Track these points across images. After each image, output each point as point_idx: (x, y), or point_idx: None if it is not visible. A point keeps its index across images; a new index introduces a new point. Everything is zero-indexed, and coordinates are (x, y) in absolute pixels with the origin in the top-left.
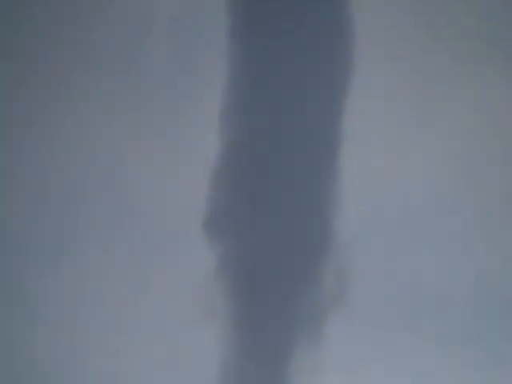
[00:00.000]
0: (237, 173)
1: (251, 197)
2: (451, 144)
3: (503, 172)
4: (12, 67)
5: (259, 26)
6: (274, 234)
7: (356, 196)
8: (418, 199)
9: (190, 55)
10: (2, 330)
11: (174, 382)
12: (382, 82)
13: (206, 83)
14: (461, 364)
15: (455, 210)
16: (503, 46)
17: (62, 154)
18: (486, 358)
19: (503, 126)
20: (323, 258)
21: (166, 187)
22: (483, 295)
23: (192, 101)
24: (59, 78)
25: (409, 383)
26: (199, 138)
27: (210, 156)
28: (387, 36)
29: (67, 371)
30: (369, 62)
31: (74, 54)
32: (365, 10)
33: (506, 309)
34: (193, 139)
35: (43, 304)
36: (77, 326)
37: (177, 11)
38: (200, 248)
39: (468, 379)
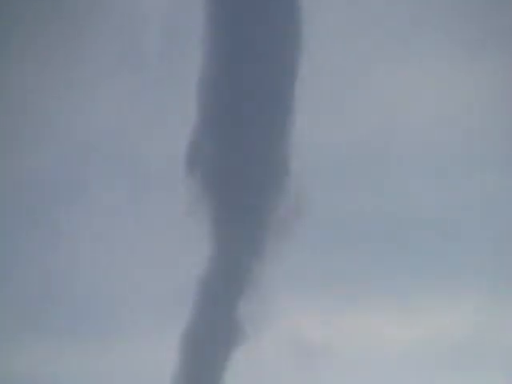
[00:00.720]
0: (212, 122)
1: (224, 140)
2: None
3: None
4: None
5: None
6: (244, 162)
7: (310, 132)
8: (368, 137)
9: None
10: None
11: (163, 272)
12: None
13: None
14: None
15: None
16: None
17: (76, 111)
18: None
19: None
20: (284, 182)
21: (157, 136)
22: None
23: (177, 75)
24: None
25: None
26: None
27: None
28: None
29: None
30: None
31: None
32: None
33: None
34: (177, 102)
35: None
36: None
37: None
38: (183, 180)
39: None
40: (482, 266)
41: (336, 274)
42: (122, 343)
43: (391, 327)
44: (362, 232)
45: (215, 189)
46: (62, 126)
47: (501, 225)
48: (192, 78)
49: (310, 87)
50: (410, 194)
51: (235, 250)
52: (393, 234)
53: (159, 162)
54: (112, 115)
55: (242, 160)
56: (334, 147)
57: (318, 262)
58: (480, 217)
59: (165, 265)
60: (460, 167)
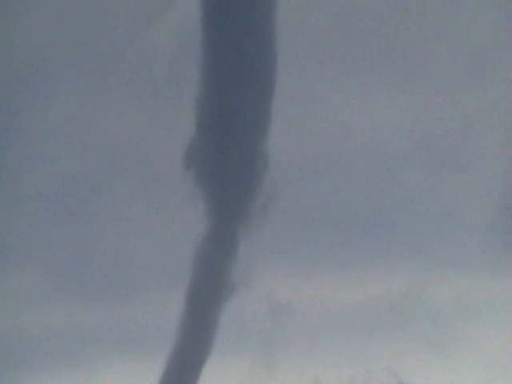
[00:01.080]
0: (205, 130)
1: (215, 143)
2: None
3: None
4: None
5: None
6: (232, 159)
7: (285, 136)
8: (332, 142)
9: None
10: None
11: (170, 243)
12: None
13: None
14: None
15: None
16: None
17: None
18: None
19: None
20: (263, 176)
21: (163, 140)
22: None
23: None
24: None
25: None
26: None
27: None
28: None
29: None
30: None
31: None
32: None
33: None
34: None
35: None
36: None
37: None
38: (183, 174)
39: None
40: (412, 242)
41: (303, 248)
42: (137, 299)
43: (344, 290)
44: (324, 216)
45: (209, 180)
46: (95, 134)
47: (426, 212)
48: (191, 95)
49: (286, 100)
50: (362, 186)
51: (226, 224)
52: (348, 219)
53: (165, 160)
54: (127, 125)
55: (230, 158)
56: (305, 149)
57: (289, 238)
58: (411, 205)
59: (171, 237)
60: (396, 168)
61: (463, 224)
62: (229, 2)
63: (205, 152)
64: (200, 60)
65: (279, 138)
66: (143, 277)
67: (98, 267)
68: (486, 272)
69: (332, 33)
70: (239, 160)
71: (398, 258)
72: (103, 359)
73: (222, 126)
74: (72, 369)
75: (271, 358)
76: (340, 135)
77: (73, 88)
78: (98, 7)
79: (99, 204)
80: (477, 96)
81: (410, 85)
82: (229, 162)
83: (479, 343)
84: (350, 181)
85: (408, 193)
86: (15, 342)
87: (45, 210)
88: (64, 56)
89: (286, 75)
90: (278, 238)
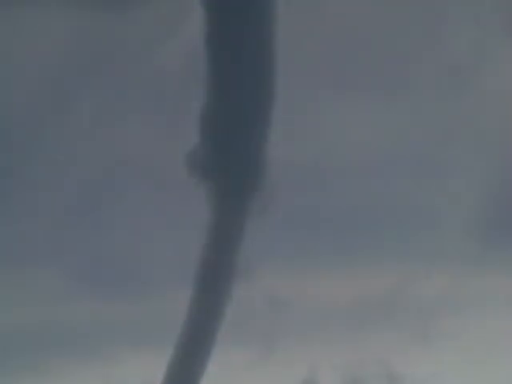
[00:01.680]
0: (209, 136)
1: (216, 146)
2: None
3: None
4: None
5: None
6: (232, 164)
7: (282, 144)
8: (323, 150)
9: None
10: None
11: (178, 237)
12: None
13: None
14: None
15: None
16: None
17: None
18: None
19: None
20: (262, 179)
21: (170, 145)
22: None
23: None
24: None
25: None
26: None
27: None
28: None
29: None
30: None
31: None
32: None
33: None
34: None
35: None
36: None
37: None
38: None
39: None
40: (400, 243)
41: (300, 246)
42: (148, 295)
43: (338, 285)
44: (319, 218)
45: (212, 182)
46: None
47: (412, 215)
48: (196, 105)
49: (283, 110)
50: (354, 190)
51: (228, 224)
52: (343, 221)
53: (173, 164)
54: (139, 134)
55: (232, 161)
56: (302, 154)
57: (287, 237)
58: (399, 209)
59: (179, 237)
60: (385, 174)
61: (446, 226)
62: (230, 24)
63: (209, 156)
64: (205, 74)
65: (278, 144)
66: (154, 274)
67: (113, 265)
68: (467, 269)
69: (327, 50)
70: (241, 164)
71: (387, 256)
72: (118, 349)
73: (225, 133)
74: (88, 360)
75: (270, 347)
76: (333, 142)
77: (89, 101)
78: (115, 30)
79: (114, 207)
80: (458, 108)
81: (397, 98)
82: (231, 165)
83: (461, 335)
84: (342, 184)
85: (397, 197)
86: (37, 336)
87: (65, 214)
88: (84, 72)
89: (285, 87)
90: (276, 237)
